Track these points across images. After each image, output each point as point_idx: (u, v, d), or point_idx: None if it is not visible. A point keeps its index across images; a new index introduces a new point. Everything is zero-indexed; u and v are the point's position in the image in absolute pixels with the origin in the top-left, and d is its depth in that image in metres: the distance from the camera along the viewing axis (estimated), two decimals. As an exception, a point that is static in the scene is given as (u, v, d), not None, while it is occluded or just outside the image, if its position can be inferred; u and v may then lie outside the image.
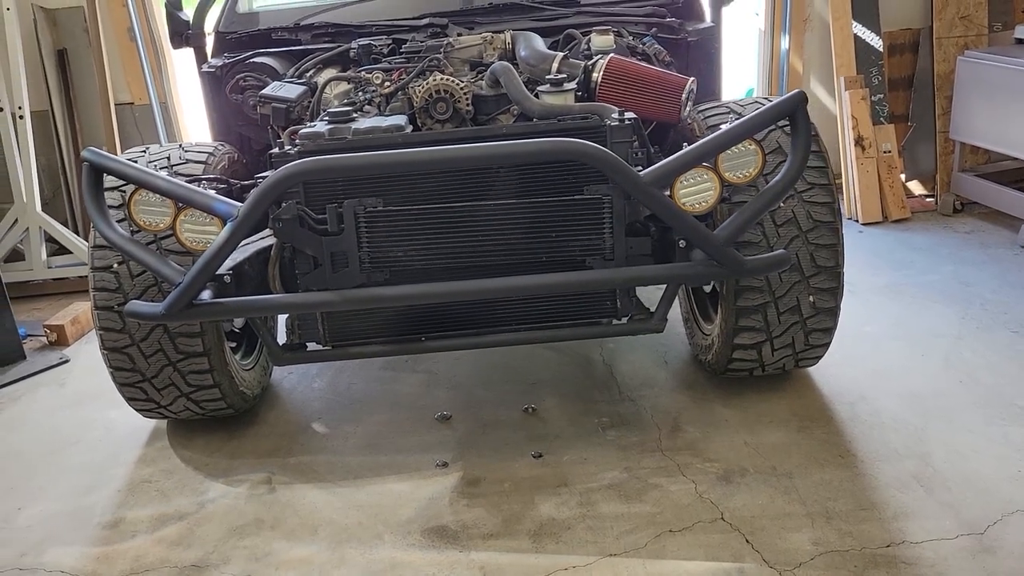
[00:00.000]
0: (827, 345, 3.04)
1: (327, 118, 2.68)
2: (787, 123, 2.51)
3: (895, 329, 3.72)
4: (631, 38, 3.47)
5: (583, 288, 2.49)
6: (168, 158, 3.04)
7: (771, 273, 2.68)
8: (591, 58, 3.04)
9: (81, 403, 3.62)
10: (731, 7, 3.80)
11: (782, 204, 2.79)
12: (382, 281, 2.53)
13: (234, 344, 3.32)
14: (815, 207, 2.80)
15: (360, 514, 2.72)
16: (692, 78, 2.88)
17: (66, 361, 4.04)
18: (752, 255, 2.62)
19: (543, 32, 3.53)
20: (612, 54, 2.92)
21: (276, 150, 2.53)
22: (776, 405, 3.15)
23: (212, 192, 2.41)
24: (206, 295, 2.41)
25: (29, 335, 4.23)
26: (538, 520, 2.62)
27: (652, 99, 2.82)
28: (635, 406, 3.23)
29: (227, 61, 3.55)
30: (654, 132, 2.98)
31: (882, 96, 5.47)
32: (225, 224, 2.29)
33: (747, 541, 2.46)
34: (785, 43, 5.67)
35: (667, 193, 2.36)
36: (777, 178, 2.40)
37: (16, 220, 4.83)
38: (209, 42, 3.86)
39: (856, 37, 5.46)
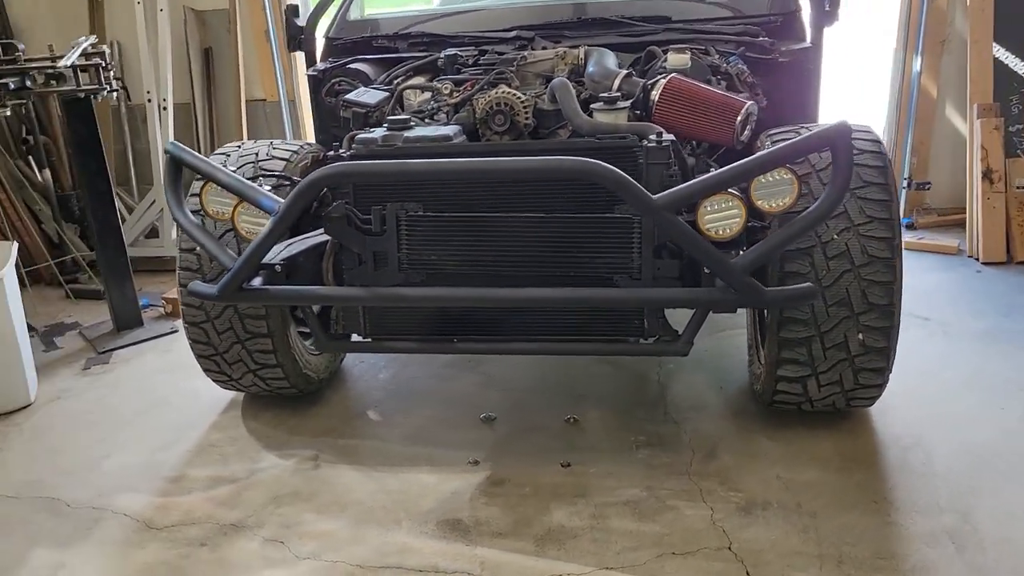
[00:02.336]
0: (880, 387, 2.92)
1: (387, 124, 2.85)
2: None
3: (977, 377, 3.49)
4: (717, 56, 3.45)
5: (600, 304, 2.53)
6: (257, 154, 3.32)
7: (795, 306, 2.61)
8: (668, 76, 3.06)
9: (177, 370, 4.00)
10: (838, 26, 3.69)
11: (836, 236, 2.71)
12: (418, 282, 2.67)
13: (308, 330, 3.56)
14: (871, 242, 2.70)
15: (387, 499, 2.88)
16: (751, 102, 2.85)
17: (175, 331, 4.46)
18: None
19: (630, 48, 3.57)
20: (673, 74, 2.93)
21: (332, 152, 2.72)
22: (822, 442, 3.05)
23: (265, 189, 2.63)
24: (257, 282, 2.64)
25: (150, 305, 4.69)
26: (547, 526, 2.68)
27: (707, 121, 2.81)
28: (676, 428, 3.22)
29: (328, 66, 3.82)
30: (725, 155, 2.97)
31: (1021, 127, 5.10)
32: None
33: (747, 574, 2.42)
34: (917, 64, 5.39)
35: (692, 217, 2.37)
36: (809, 209, 2.35)
37: (154, 200, 5.35)
38: (320, 47, 4.15)
39: (997, 61, 5.12)
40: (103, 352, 4.23)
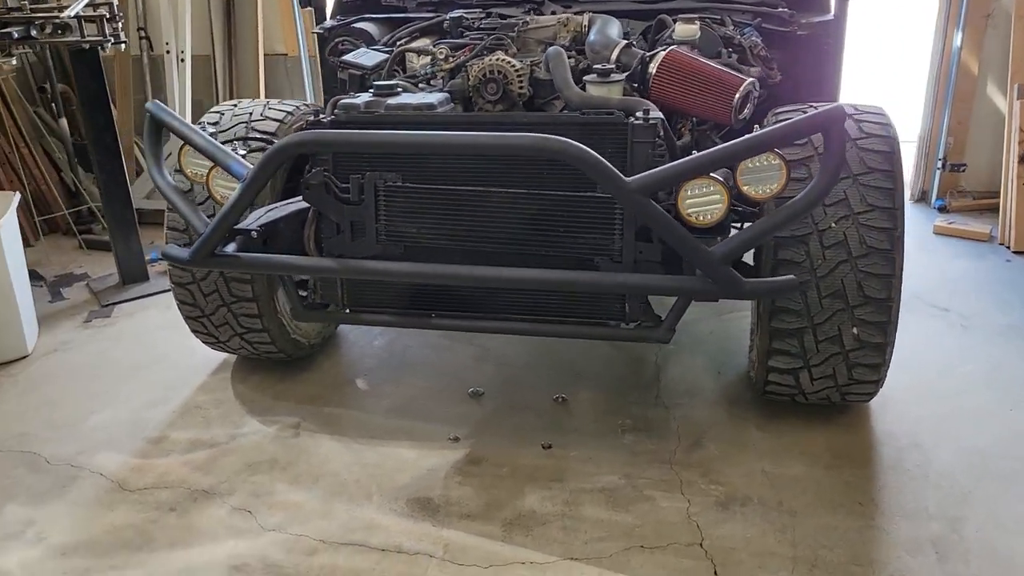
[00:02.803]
0: (876, 383, 2.78)
1: (372, 90, 2.76)
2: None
3: (993, 374, 3.33)
4: (732, 27, 3.28)
5: (570, 288, 2.43)
6: (251, 114, 3.25)
7: (776, 299, 2.49)
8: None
9: (176, 327, 3.96)
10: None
11: (834, 225, 2.57)
12: (396, 254, 2.60)
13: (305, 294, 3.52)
14: (871, 231, 2.55)
15: (362, 472, 2.84)
16: (751, 80, 2.70)
17: (179, 287, 4.45)
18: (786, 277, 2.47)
19: (643, 16, 3.42)
20: (673, 47, 2.79)
21: (313, 117, 2.64)
22: (814, 436, 2.93)
23: (240, 154, 2.56)
24: (231, 248, 2.58)
25: (158, 260, 4.69)
26: (518, 510, 2.62)
27: (704, 98, 2.67)
28: (666, 413, 3.12)
29: (334, 24, 3.72)
30: (731, 135, 2.83)
31: (1066, 110, 4.82)
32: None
33: (715, 573, 2.34)
34: (958, 40, 5.11)
35: (673, 201, 2.25)
36: (796, 198, 2.22)
37: (169, 153, 5.32)
38: (331, 3, 4.05)
39: (1045, 40, 4.83)
40: (106, 305, 4.24)
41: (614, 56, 2.85)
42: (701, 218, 2.23)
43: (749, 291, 2.24)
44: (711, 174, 2.18)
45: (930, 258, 4.61)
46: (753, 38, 3.21)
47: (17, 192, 4.01)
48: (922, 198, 5.60)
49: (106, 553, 2.50)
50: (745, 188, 2.23)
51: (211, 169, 2.57)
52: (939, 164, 5.44)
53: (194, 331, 3.34)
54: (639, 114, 2.41)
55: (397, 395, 3.33)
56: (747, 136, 2.18)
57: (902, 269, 2.61)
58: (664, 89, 2.70)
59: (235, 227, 2.61)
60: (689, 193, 2.21)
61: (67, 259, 4.99)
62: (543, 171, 2.44)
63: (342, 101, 2.70)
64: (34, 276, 4.57)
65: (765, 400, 3.09)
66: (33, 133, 5.23)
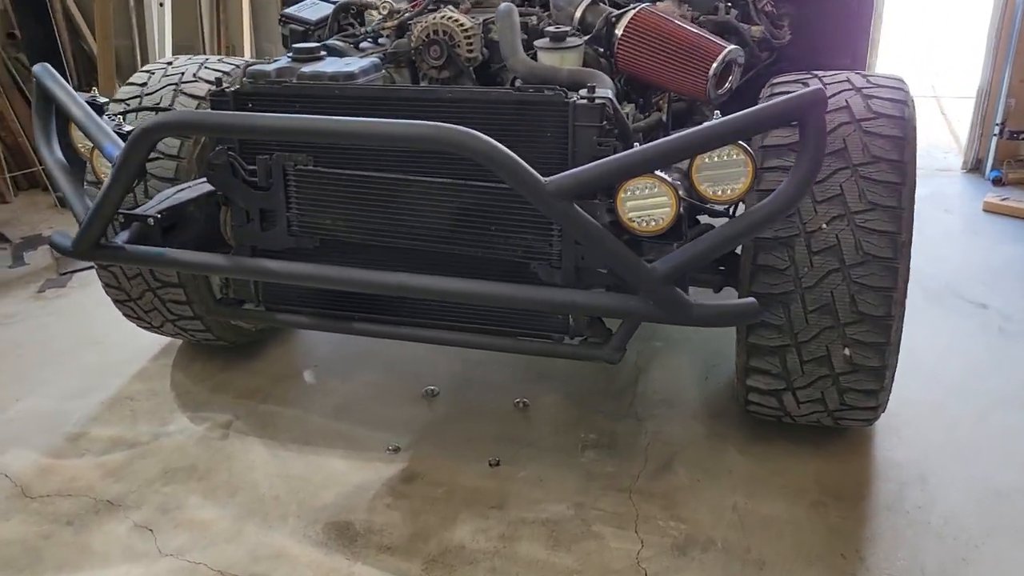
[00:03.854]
0: (873, 409, 2.36)
1: (291, 54, 2.38)
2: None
3: (1028, 394, 2.86)
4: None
5: (487, 302, 2.06)
6: (183, 74, 2.90)
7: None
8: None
9: (129, 301, 3.72)
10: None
11: (825, 226, 2.13)
12: (311, 248, 2.26)
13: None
14: (869, 235, 2.11)
15: (284, 487, 2.54)
16: (732, 47, 2.24)
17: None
18: (774, 285, 2.07)
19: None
20: (644, 5, 2.33)
21: (215, 87, 2.27)
22: (802, 464, 2.54)
23: (126, 129, 2.22)
24: (123, 236, 2.26)
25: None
26: (446, 544, 2.29)
27: (676, 68, 2.23)
28: (637, 427, 2.75)
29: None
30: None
31: None
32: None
33: (655, 641, 1.99)
34: (1023, -10, 4.47)
35: (611, 202, 1.85)
36: (766, 200, 1.79)
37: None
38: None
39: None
40: (64, 274, 3.99)
41: (578, 14, 2.41)
42: (645, 224, 1.82)
43: (697, 317, 1.83)
44: (656, 172, 1.76)
45: (973, 241, 4.08)
46: (761, -9, 2.73)
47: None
48: (976, 167, 5.02)
49: (-17, 575, 2.26)
50: (702, 188, 1.81)
51: (94, 148, 2.23)
52: (996, 129, 4.84)
53: (126, 316, 3.05)
54: (583, 91, 1.98)
55: (343, 392, 3.01)
56: (704, 125, 1.75)
57: (907, 282, 2.17)
58: (630, 56, 2.26)
59: (131, 212, 2.29)
60: (629, 195, 1.80)
61: (39, 218, 4.74)
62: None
63: (251, 67, 2.33)
64: (0, 239, 4.36)
65: (751, 416, 2.69)
66: (8, 81, 4.95)
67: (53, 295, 3.84)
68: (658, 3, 2.44)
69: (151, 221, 2.28)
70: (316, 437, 2.76)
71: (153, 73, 2.93)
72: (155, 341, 3.34)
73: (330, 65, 2.30)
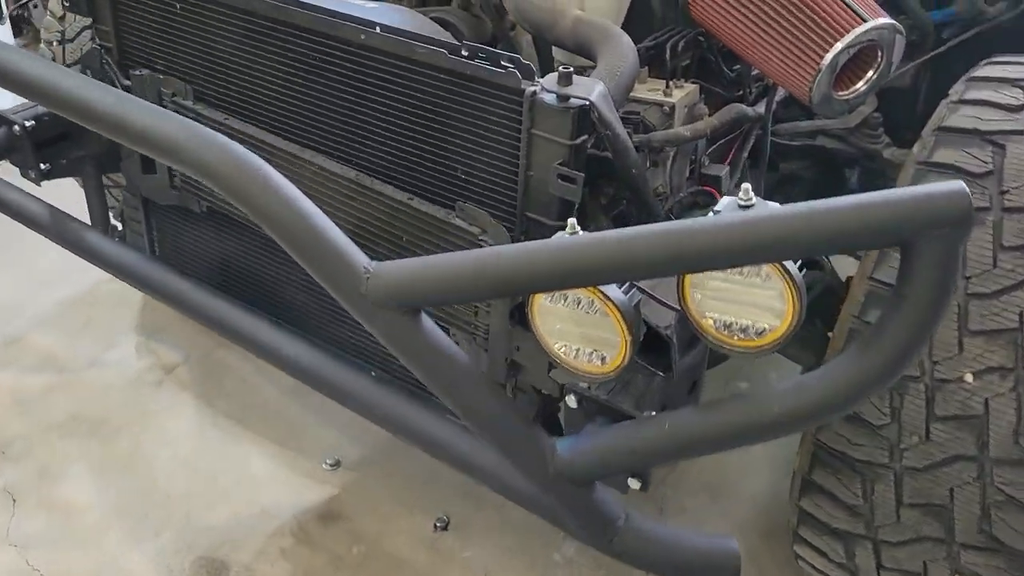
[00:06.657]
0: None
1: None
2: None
3: None
4: None
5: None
6: None
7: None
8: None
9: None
10: None
11: (970, 378, 1.20)
12: (199, 214, 1.60)
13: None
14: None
15: (183, 483, 2.04)
16: (885, 21, 1.24)
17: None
18: (856, 445, 1.24)
19: None
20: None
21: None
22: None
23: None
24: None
25: None
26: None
27: (774, 44, 1.27)
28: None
29: None
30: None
31: None
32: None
33: None
34: None
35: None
36: (819, 369, 0.92)
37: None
38: None
39: None
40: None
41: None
42: (584, 360, 0.99)
43: (619, 552, 1.02)
44: (598, 287, 0.91)
45: None
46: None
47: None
48: None
49: None
50: (703, 321, 0.95)
51: None
52: None
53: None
54: (552, 77, 1.10)
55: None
56: (718, 218, 0.86)
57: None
58: (706, 10, 1.32)
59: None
60: (551, 305, 0.97)
61: None
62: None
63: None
64: None
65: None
66: None
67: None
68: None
69: (17, 129, 1.69)
70: (254, 416, 2.21)
71: None
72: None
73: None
